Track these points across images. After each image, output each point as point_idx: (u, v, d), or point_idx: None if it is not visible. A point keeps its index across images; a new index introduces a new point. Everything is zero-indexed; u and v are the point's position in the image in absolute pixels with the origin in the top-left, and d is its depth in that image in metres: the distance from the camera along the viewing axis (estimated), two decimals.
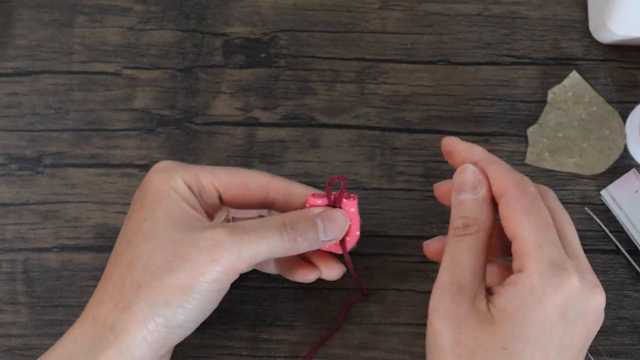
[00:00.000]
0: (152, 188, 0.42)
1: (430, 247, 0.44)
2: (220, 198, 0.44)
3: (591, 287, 0.38)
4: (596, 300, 0.38)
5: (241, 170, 0.45)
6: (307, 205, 0.44)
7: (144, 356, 0.40)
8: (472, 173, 0.40)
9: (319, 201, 0.43)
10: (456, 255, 0.39)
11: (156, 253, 0.40)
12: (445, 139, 0.43)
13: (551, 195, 0.41)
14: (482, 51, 0.54)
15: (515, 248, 0.38)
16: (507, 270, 0.40)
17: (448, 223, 0.51)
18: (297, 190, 0.44)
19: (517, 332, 0.36)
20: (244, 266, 0.41)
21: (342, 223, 0.43)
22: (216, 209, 0.45)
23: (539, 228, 0.38)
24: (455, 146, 0.42)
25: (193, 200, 0.43)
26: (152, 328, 0.40)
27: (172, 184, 0.42)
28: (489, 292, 0.38)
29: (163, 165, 0.44)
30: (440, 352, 0.38)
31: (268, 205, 0.45)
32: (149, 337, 0.40)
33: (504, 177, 0.40)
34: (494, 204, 0.40)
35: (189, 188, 0.43)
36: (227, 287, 0.42)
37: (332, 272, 0.46)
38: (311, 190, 0.45)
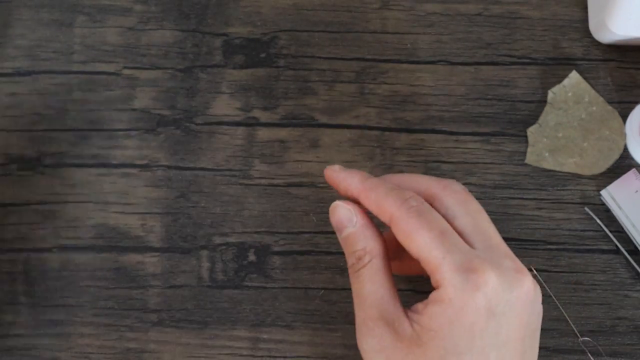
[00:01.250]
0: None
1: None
2: None
3: (512, 275, 0.37)
4: (522, 287, 0.37)
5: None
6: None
7: None
8: (342, 209, 0.40)
9: None
10: (361, 290, 0.39)
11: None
12: (325, 170, 0.42)
13: (454, 188, 0.40)
14: (482, 51, 0.54)
15: (424, 267, 0.38)
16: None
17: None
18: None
19: (448, 346, 0.36)
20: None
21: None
22: None
23: (434, 240, 0.37)
24: (334, 177, 0.42)
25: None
26: None
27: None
28: (415, 313, 0.38)
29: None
30: None
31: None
32: None
33: (383, 202, 0.39)
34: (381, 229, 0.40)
35: None
36: None
37: None
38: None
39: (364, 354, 0.38)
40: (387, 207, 0.39)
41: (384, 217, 0.39)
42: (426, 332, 0.36)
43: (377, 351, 0.37)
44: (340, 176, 0.41)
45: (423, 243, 0.37)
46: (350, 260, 0.40)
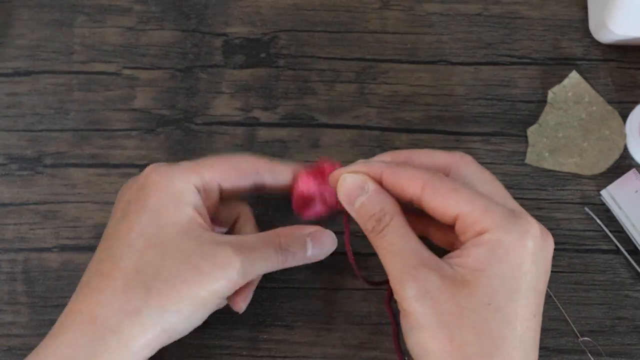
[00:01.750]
0: (154, 190, 0.42)
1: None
2: (220, 192, 0.44)
3: (545, 230, 0.39)
4: (552, 243, 0.39)
5: (233, 157, 0.45)
6: (298, 184, 0.44)
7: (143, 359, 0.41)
8: (351, 178, 0.41)
9: (312, 183, 0.44)
10: (392, 247, 0.39)
11: (166, 261, 0.40)
12: (332, 175, 0.43)
13: (467, 159, 0.42)
14: (482, 51, 0.54)
15: (461, 226, 0.39)
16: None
17: None
18: (281, 169, 0.45)
19: (496, 285, 0.37)
20: (243, 282, 0.42)
21: (330, 245, 0.45)
22: (214, 206, 0.45)
23: (475, 194, 0.38)
24: (350, 169, 0.42)
25: (200, 206, 0.43)
26: (157, 334, 0.40)
27: (179, 187, 0.42)
28: (453, 258, 0.39)
29: (165, 166, 0.43)
30: (425, 330, 0.37)
31: (258, 188, 0.45)
32: (152, 343, 0.40)
33: (413, 173, 0.40)
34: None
35: (198, 191, 0.43)
36: (225, 301, 0.44)
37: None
38: (291, 167, 0.45)
39: (406, 302, 0.38)
40: (419, 176, 0.39)
41: (414, 188, 0.40)
42: (471, 272, 0.37)
43: (422, 295, 0.37)
44: (356, 167, 0.42)
45: (464, 198, 0.38)
46: (369, 225, 0.40)
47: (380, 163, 0.42)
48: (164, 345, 0.42)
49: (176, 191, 0.42)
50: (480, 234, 0.38)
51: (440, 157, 0.42)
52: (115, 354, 0.40)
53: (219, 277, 0.40)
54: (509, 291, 0.37)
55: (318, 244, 0.44)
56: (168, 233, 0.41)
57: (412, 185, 0.40)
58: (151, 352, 0.41)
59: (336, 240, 0.45)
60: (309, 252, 0.44)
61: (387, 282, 0.41)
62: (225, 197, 0.45)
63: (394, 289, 0.39)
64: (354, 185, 0.41)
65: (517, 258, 0.37)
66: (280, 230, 0.44)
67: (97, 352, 0.40)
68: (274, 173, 0.45)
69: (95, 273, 0.42)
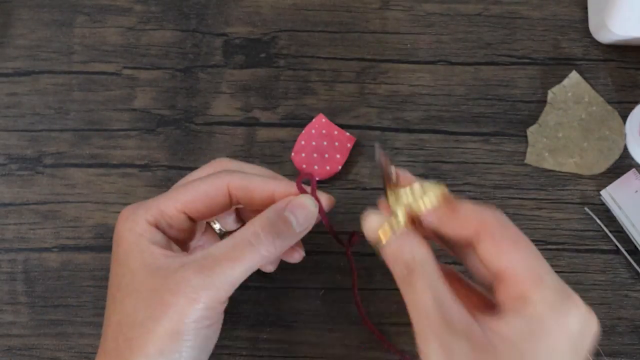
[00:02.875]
0: (122, 240, 0.42)
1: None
2: (190, 218, 0.43)
3: (590, 311, 0.36)
4: (595, 326, 0.36)
5: (198, 182, 0.43)
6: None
7: None
8: (376, 216, 0.38)
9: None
10: (418, 302, 0.36)
11: (139, 305, 0.40)
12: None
13: (505, 220, 0.38)
14: (482, 51, 0.54)
15: (504, 282, 0.36)
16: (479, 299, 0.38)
17: None
18: (256, 185, 0.43)
19: None
20: (226, 294, 0.40)
21: (312, 207, 0.42)
22: (192, 230, 0.44)
23: (536, 256, 0.35)
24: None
25: (161, 239, 0.42)
26: None
27: (138, 230, 0.41)
28: (487, 317, 0.35)
29: (126, 212, 0.43)
30: None
31: (235, 205, 0.44)
32: None
33: (475, 213, 0.37)
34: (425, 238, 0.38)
35: (156, 226, 0.42)
36: (218, 318, 0.41)
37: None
38: (264, 173, 0.44)
39: None
40: (480, 216, 0.37)
41: (469, 229, 0.37)
42: (505, 341, 0.34)
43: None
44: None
45: (524, 256, 0.35)
46: (398, 271, 0.37)
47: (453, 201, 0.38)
48: None
49: (135, 234, 0.41)
50: (523, 299, 0.35)
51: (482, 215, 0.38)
52: None
53: (186, 304, 0.39)
54: None
55: (301, 211, 0.41)
56: (138, 277, 0.40)
57: (468, 227, 0.37)
58: None
59: (314, 200, 0.42)
60: (296, 225, 0.41)
61: (353, 234, 0.43)
62: (201, 219, 0.44)
63: (417, 342, 0.36)
64: (378, 225, 0.38)
65: (558, 343, 0.34)
66: (255, 220, 0.41)
67: None
68: (245, 190, 0.43)
69: (102, 331, 0.42)
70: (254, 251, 0.40)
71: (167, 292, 0.39)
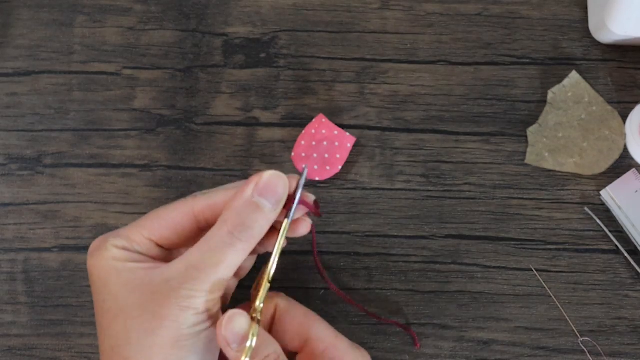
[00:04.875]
0: (94, 269, 0.41)
1: None
2: (159, 245, 0.43)
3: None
4: None
5: (163, 209, 0.43)
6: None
7: None
8: (242, 318, 0.39)
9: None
10: None
11: (130, 324, 0.39)
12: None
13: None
14: (482, 51, 0.54)
15: (310, 349, 0.43)
16: None
17: (448, 223, 0.51)
18: (221, 199, 0.42)
19: None
20: (217, 294, 0.40)
21: (278, 180, 0.40)
22: (162, 255, 0.44)
23: (326, 325, 0.45)
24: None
25: (135, 257, 0.41)
26: None
27: (108, 255, 0.41)
28: None
29: (93, 246, 0.42)
30: None
31: (205, 229, 0.42)
32: None
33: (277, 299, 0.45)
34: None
35: (128, 251, 0.42)
36: (217, 316, 0.40)
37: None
38: (231, 186, 0.43)
39: None
40: (277, 303, 0.45)
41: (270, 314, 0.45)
42: None
43: None
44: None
45: (320, 325, 0.44)
46: None
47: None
48: None
49: (107, 259, 0.41)
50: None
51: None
52: None
53: (179, 312, 0.39)
54: None
55: (268, 190, 0.40)
56: (121, 298, 0.40)
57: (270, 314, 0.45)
58: None
59: (283, 175, 0.40)
60: (270, 208, 0.40)
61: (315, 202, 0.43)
62: (172, 247, 0.44)
63: None
64: (244, 327, 0.39)
65: None
66: (224, 217, 0.40)
67: None
68: (212, 209, 0.42)
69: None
70: (234, 250, 0.39)
71: (157, 306, 0.39)
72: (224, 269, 0.39)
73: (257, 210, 0.40)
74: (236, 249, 0.39)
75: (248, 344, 0.39)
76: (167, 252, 0.44)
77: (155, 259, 0.43)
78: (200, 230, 0.43)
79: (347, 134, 0.52)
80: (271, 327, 0.45)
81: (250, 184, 0.40)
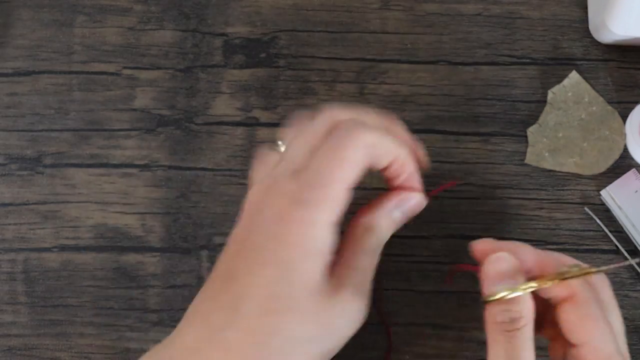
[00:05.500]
0: (291, 237, 0.37)
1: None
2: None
3: None
4: None
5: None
6: None
7: None
8: (507, 262, 0.39)
9: None
10: (514, 353, 0.37)
11: (296, 324, 0.37)
12: (477, 245, 0.41)
13: (606, 284, 0.41)
14: (482, 51, 0.54)
15: (581, 352, 0.38)
16: None
17: (447, 223, 0.51)
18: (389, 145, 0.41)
19: None
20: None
21: (418, 205, 0.42)
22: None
23: (609, 340, 0.38)
24: (496, 249, 0.40)
25: (331, 246, 0.38)
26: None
27: (320, 235, 0.37)
28: None
29: (305, 202, 0.37)
30: None
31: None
32: None
33: (572, 280, 0.39)
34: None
35: (333, 230, 0.38)
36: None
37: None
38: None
39: None
40: (575, 285, 0.39)
41: (562, 292, 0.39)
42: None
43: None
44: (508, 246, 0.40)
45: (598, 334, 0.38)
46: (500, 317, 0.38)
47: (532, 252, 0.40)
48: None
49: (315, 240, 0.37)
50: None
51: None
52: None
53: (347, 330, 0.39)
54: None
55: (404, 205, 0.42)
56: (297, 295, 0.37)
57: (562, 289, 0.39)
58: None
59: (424, 196, 0.43)
60: (397, 214, 0.42)
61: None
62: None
63: None
64: (507, 270, 0.39)
65: None
66: (360, 224, 0.41)
67: None
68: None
69: (213, 300, 0.39)
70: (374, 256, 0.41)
71: (332, 316, 0.38)
72: (370, 274, 0.41)
73: (392, 226, 0.42)
74: (373, 257, 0.42)
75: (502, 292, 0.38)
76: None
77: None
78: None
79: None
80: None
81: (394, 198, 0.42)
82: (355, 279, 0.39)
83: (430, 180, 0.51)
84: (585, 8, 0.54)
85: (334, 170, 0.38)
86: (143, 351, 0.48)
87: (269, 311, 0.36)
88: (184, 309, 0.49)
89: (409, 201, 0.42)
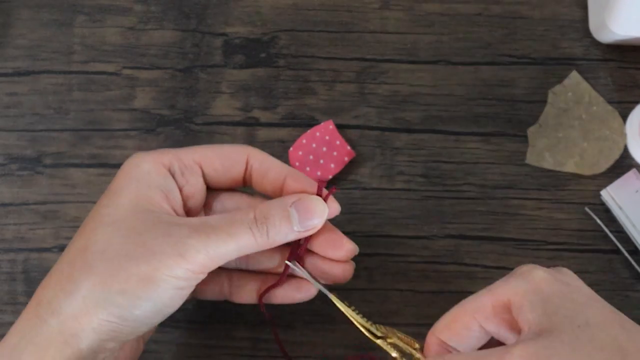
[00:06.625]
0: (122, 173, 0.40)
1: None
2: (204, 176, 0.42)
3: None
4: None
5: (220, 144, 0.44)
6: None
7: (91, 346, 0.37)
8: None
9: None
10: None
11: (115, 239, 0.38)
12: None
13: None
14: (482, 51, 0.54)
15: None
16: None
17: (448, 223, 0.51)
18: (273, 163, 0.43)
19: None
20: (212, 265, 0.39)
21: (319, 213, 0.41)
22: (198, 193, 0.43)
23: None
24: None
25: (169, 189, 0.41)
26: (104, 317, 0.37)
27: (144, 167, 0.40)
28: None
29: (141, 152, 0.41)
30: None
31: (247, 180, 0.43)
32: (101, 327, 0.37)
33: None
34: None
35: (169, 170, 0.41)
36: (191, 286, 0.39)
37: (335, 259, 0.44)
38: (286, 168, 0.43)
39: None
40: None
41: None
42: None
43: None
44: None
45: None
46: None
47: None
48: (121, 335, 0.38)
49: (140, 173, 0.40)
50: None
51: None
52: (57, 338, 0.37)
53: (172, 255, 0.37)
54: None
55: (305, 212, 0.41)
56: (122, 211, 0.38)
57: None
58: (108, 342, 0.38)
59: (327, 207, 0.42)
60: (296, 226, 0.41)
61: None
62: (214, 184, 0.43)
63: None
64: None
65: None
66: (256, 203, 0.42)
67: (39, 335, 0.37)
68: (262, 165, 0.43)
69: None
70: (249, 235, 0.39)
71: (153, 238, 0.38)
72: (232, 245, 0.39)
73: (286, 219, 0.41)
74: (250, 235, 0.39)
75: None
76: (202, 201, 0.43)
77: (192, 195, 0.42)
78: (244, 178, 0.43)
79: (349, 147, 0.51)
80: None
81: (295, 196, 0.42)
82: (197, 223, 0.39)
83: (431, 180, 0.52)
84: (585, 8, 0.54)
85: None
86: (143, 351, 0.48)
87: (93, 228, 0.39)
88: (183, 309, 0.49)
89: (308, 201, 0.41)
